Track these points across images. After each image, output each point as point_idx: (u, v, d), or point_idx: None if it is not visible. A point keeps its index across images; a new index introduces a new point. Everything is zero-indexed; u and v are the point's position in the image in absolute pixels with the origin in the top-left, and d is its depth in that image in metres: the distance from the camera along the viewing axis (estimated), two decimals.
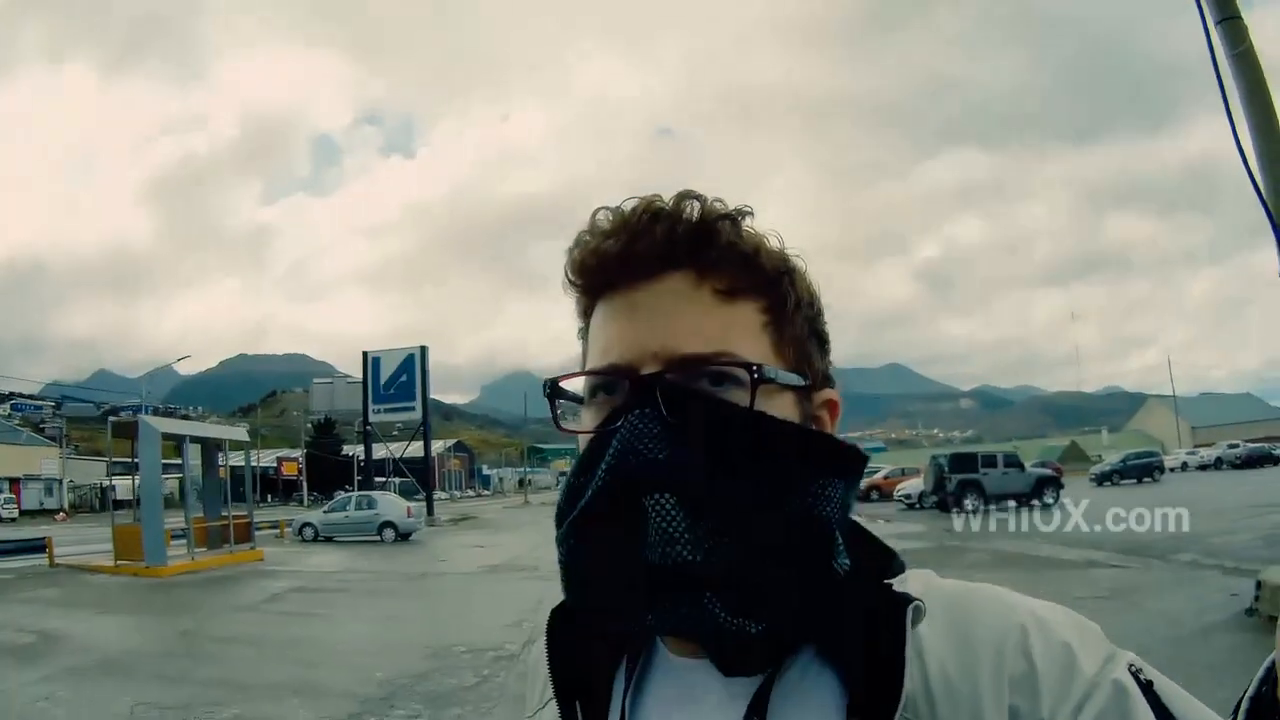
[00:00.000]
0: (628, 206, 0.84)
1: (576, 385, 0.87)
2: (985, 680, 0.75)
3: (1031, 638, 0.76)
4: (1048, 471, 32.66)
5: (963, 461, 31.72)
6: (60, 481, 74.35)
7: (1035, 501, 28.36)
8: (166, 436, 22.68)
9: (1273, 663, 0.40)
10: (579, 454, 0.84)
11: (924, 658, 0.76)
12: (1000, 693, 0.74)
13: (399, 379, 41.91)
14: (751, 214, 0.85)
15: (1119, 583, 13.24)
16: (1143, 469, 43.02)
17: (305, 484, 77.66)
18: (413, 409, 42.70)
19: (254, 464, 23.66)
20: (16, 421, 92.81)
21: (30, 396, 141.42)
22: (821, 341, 0.89)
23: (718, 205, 0.84)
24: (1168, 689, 0.74)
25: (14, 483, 69.37)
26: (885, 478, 40.80)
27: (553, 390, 0.87)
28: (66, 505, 69.93)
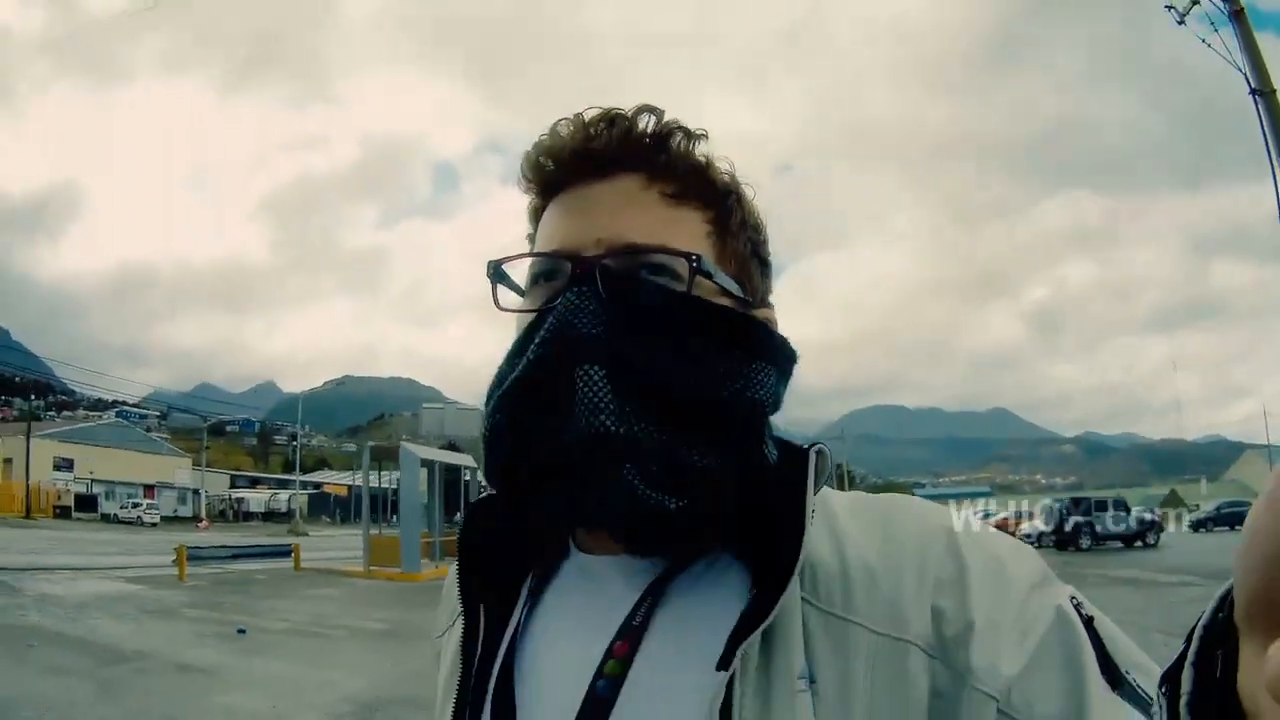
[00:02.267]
0: (588, 114, 0.86)
1: (522, 274, 0.88)
2: (908, 575, 0.75)
3: (962, 542, 0.77)
4: (1150, 517, 36.41)
5: (1078, 505, 35.80)
6: (195, 492, 75.90)
7: (1139, 542, 32.93)
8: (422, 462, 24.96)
9: (1228, 589, 0.40)
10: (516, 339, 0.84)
11: (843, 545, 0.78)
12: (923, 590, 0.74)
13: None
14: (706, 136, 0.87)
15: (1206, 594, 17.07)
16: (1234, 518, 45.49)
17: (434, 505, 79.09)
18: None
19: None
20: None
21: (135, 405, 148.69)
22: (764, 263, 0.91)
23: (678, 121, 0.86)
24: (1107, 627, 0.74)
25: (148, 489, 71.09)
26: (1006, 519, 43.74)
27: (495, 272, 0.87)
28: (204, 514, 71.71)
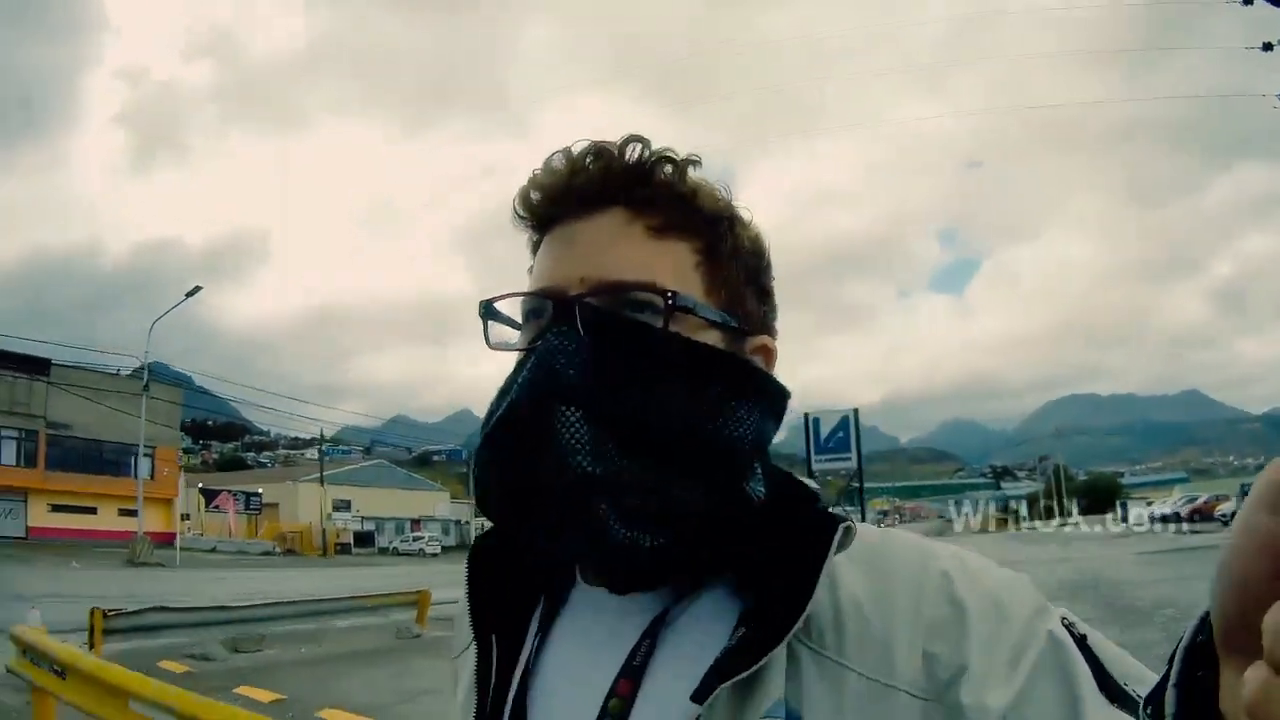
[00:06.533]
0: (577, 148, 0.89)
1: (515, 311, 0.92)
2: (901, 619, 0.77)
3: (956, 583, 0.79)
4: None
5: None
6: (456, 522, 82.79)
7: None
8: None
9: (1206, 613, 0.41)
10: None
11: (837, 587, 0.79)
12: (915, 635, 0.76)
13: (836, 434, 49.51)
14: (698, 163, 0.90)
15: None
16: None
17: None
18: (849, 459, 53.10)
19: None
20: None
21: (333, 441, 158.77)
22: (761, 290, 0.94)
23: (666, 150, 0.89)
24: (1101, 643, 0.76)
25: (414, 523, 78.04)
26: (1205, 502, 54.98)
27: (486, 310, 0.92)
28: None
